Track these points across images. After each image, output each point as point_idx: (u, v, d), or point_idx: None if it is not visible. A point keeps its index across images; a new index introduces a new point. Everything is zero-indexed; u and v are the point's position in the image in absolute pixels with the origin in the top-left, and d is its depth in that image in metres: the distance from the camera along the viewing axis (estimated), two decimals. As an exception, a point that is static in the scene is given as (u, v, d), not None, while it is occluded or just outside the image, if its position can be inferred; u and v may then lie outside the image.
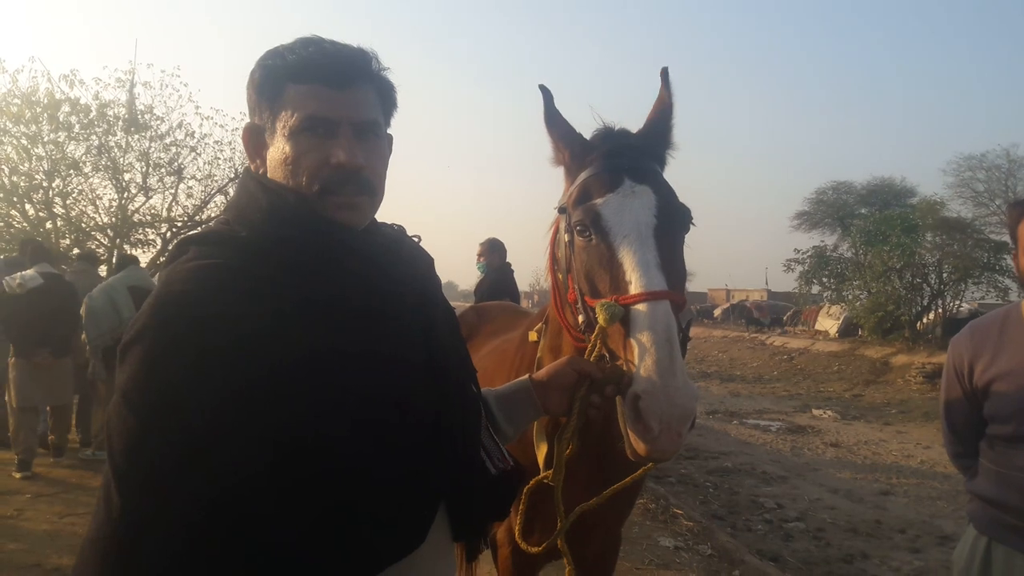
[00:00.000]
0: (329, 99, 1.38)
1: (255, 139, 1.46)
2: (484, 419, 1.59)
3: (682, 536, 6.52)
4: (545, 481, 1.90)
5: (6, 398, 7.82)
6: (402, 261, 1.50)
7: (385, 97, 1.51)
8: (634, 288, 1.69)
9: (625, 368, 1.65)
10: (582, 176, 1.95)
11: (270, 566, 1.18)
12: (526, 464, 1.76)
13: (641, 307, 1.65)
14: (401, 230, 1.61)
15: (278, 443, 1.18)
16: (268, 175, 1.43)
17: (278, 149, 1.40)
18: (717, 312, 53.67)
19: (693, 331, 38.49)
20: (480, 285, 7.36)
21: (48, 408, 8.18)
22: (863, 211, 36.61)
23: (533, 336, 2.42)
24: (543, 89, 2.09)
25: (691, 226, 1.94)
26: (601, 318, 1.70)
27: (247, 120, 1.50)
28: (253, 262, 1.29)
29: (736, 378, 23.44)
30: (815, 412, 16.02)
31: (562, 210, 2.00)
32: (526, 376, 1.78)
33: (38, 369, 7.68)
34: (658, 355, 1.59)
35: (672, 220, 1.86)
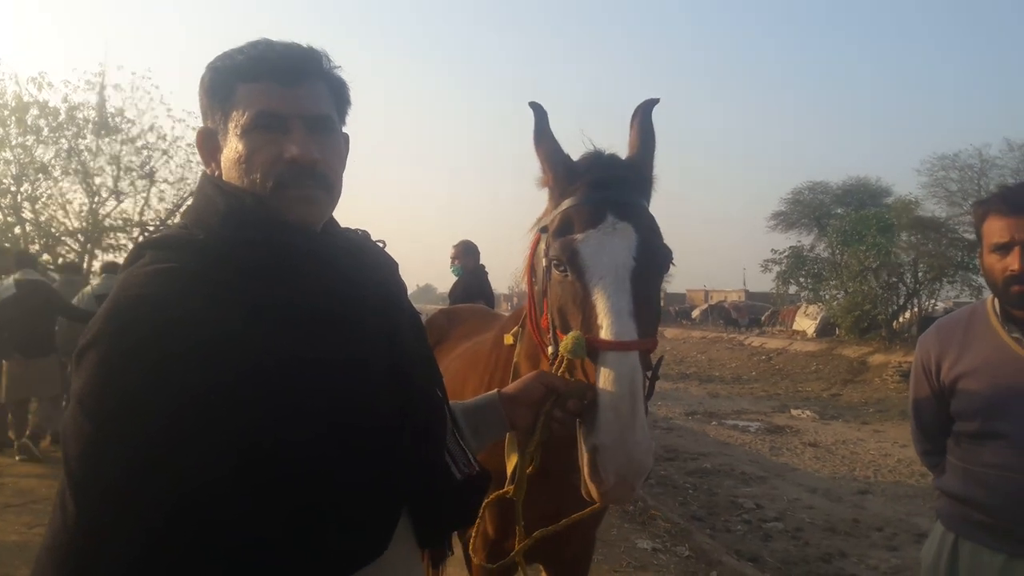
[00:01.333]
0: (280, 95, 1.37)
1: (209, 143, 1.45)
2: (450, 425, 1.57)
3: (660, 538, 6.51)
4: (507, 496, 1.88)
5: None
6: (364, 265, 1.49)
7: (338, 94, 1.49)
8: (604, 334, 1.66)
9: (589, 413, 1.64)
10: (564, 204, 1.88)
11: (233, 572, 1.17)
12: (495, 473, 1.75)
13: (610, 356, 1.64)
14: (365, 235, 1.60)
15: (239, 449, 1.16)
16: (224, 177, 1.41)
17: (231, 149, 1.39)
18: (695, 313, 53.93)
19: (671, 332, 38.93)
20: (455, 288, 7.31)
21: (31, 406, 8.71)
22: (839, 211, 36.92)
23: (509, 339, 2.36)
24: (535, 107, 2.01)
25: (672, 266, 1.90)
26: (567, 351, 1.69)
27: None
28: (211, 266, 1.28)
29: (715, 379, 23.55)
30: (793, 412, 16.11)
31: (543, 230, 1.95)
32: (495, 391, 1.78)
33: (19, 368, 8.26)
34: (619, 410, 1.59)
35: (651, 262, 1.81)
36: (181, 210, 18.24)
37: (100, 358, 1.16)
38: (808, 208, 39.71)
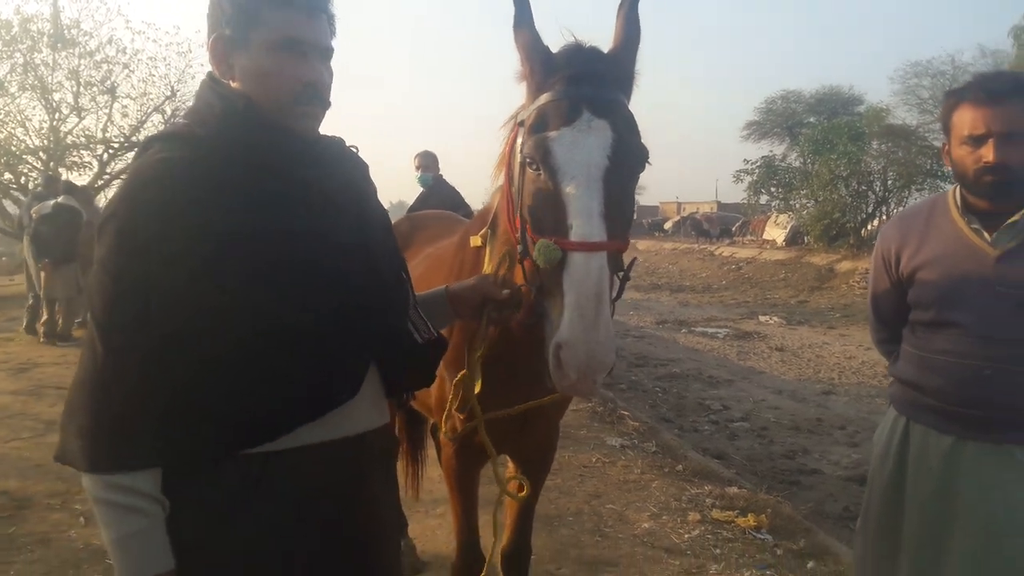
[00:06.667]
0: (304, 25, 1.61)
1: (224, 47, 1.63)
2: (412, 300, 1.83)
3: (628, 436, 6.70)
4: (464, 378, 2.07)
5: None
6: (342, 166, 1.73)
7: (332, 25, 1.71)
8: (573, 235, 1.68)
9: (556, 310, 1.71)
10: (541, 99, 1.84)
11: (235, 401, 1.48)
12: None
13: (577, 257, 1.66)
14: (340, 141, 1.80)
15: (237, 299, 1.46)
16: (242, 85, 1.62)
17: (255, 62, 1.60)
18: (668, 225, 54.16)
19: (643, 244, 39.17)
20: (427, 198, 6.84)
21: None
22: (811, 120, 36.83)
23: (477, 241, 2.33)
24: None
25: (647, 165, 1.88)
26: (540, 260, 1.71)
27: (202, 32, 1.70)
28: (211, 156, 1.52)
29: (685, 288, 23.84)
30: (761, 318, 16.42)
31: (520, 124, 1.92)
32: (443, 286, 2.02)
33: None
34: (584, 309, 1.62)
35: (626, 161, 1.79)
36: (146, 125, 17.92)
37: (117, 228, 1.44)
38: (781, 117, 39.58)
